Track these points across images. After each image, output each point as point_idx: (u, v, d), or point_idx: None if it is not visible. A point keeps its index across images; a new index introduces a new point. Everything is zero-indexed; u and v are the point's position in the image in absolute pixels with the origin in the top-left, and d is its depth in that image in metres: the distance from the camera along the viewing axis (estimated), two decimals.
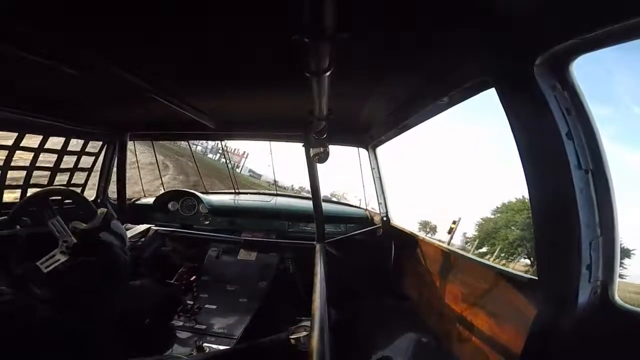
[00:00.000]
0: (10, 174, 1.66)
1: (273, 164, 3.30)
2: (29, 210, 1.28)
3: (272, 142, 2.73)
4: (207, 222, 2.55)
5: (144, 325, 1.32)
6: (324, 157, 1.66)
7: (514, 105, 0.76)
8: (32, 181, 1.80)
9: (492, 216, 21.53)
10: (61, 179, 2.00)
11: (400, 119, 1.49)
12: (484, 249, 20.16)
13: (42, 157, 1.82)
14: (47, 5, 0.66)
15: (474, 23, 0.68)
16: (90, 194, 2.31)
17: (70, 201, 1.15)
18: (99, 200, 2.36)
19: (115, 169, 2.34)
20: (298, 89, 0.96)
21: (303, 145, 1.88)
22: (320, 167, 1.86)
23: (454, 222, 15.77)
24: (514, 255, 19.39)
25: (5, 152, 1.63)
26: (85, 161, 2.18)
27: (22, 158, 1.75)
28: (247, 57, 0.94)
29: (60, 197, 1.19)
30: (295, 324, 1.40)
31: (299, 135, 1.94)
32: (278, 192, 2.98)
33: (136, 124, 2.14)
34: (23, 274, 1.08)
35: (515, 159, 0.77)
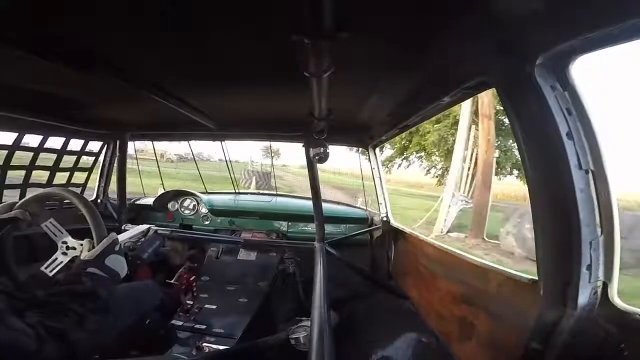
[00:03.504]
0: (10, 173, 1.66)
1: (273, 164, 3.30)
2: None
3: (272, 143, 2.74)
4: (207, 222, 2.55)
5: (144, 325, 1.32)
6: (324, 157, 1.66)
7: (514, 105, 0.77)
8: (31, 180, 1.80)
9: None
10: (60, 179, 2.01)
11: (400, 119, 1.49)
12: None
13: (42, 156, 1.83)
14: (47, 5, 0.66)
15: (474, 23, 0.68)
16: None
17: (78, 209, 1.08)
18: (99, 201, 2.36)
19: (115, 169, 2.34)
20: (298, 89, 0.96)
21: (303, 146, 1.88)
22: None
23: None
24: None
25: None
26: (85, 161, 2.18)
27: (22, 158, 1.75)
28: (247, 57, 0.94)
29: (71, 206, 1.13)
30: (295, 324, 1.40)
31: (299, 135, 1.95)
32: (278, 193, 2.98)
33: (136, 124, 2.14)
34: (29, 279, 1.06)
35: None
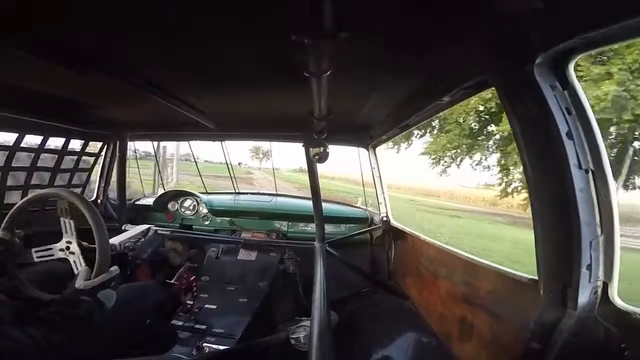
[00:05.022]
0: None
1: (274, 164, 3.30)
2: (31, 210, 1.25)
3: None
4: (207, 223, 2.55)
5: (144, 325, 1.32)
6: (324, 157, 1.66)
7: (514, 105, 0.77)
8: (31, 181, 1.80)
9: None
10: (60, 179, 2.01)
11: (400, 119, 1.49)
12: None
13: (43, 157, 1.83)
14: (47, 5, 0.66)
15: (474, 23, 0.68)
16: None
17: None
18: (99, 201, 2.36)
19: (115, 169, 2.34)
20: (298, 89, 0.96)
21: (303, 145, 1.88)
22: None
23: None
24: None
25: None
26: (85, 161, 2.18)
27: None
28: (247, 57, 0.94)
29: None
30: (295, 324, 1.40)
31: (299, 135, 1.95)
32: (278, 193, 2.98)
33: (136, 124, 2.15)
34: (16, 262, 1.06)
35: None
